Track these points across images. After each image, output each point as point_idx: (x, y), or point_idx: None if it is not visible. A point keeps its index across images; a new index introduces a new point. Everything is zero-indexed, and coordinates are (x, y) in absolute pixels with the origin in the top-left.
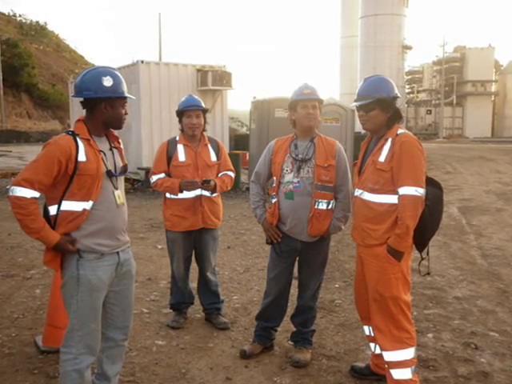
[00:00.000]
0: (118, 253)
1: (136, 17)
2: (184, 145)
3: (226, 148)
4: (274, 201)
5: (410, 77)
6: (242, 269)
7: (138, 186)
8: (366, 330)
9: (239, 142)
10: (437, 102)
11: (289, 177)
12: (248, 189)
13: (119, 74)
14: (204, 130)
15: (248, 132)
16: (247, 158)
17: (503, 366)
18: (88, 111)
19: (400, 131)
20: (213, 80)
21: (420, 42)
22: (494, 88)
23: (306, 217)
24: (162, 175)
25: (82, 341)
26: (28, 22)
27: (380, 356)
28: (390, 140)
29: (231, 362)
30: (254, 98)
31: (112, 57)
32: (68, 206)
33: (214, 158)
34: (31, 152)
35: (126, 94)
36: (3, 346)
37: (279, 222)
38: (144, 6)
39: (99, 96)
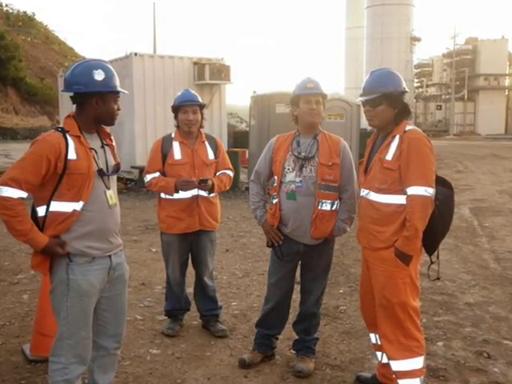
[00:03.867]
0: (110, 256)
1: (129, 7)
2: (180, 142)
3: (224, 146)
4: (275, 201)
5: (418, 70)
6: (241, 273)
7: (132, 185)
8: (373, 337)
9: (238, 139)
10: (447, 96)
11: (291, 176)
12: (247, 189)
13: (111, 68)
14: (201, 126)
15: (247, 129)
16: (247, 156)
17: None
18: (78, 107)
19: (408, 128)
20: (210, 74)
21: (429, 33)
22: (507, 82)
23: (309, 218)
24: (157, 174)
25: (72, 349)
26: (15, 12)
27: (387, 365)
28: (397, 137)
29: (230, 372)
30: (254, 92)
31: (104, 49)
32: (57, 206)
33: (211, 156)
34: (18, 150)
35: (119, 89)
36: None
37: (280, 223)
38: None
39: (90, 90)
